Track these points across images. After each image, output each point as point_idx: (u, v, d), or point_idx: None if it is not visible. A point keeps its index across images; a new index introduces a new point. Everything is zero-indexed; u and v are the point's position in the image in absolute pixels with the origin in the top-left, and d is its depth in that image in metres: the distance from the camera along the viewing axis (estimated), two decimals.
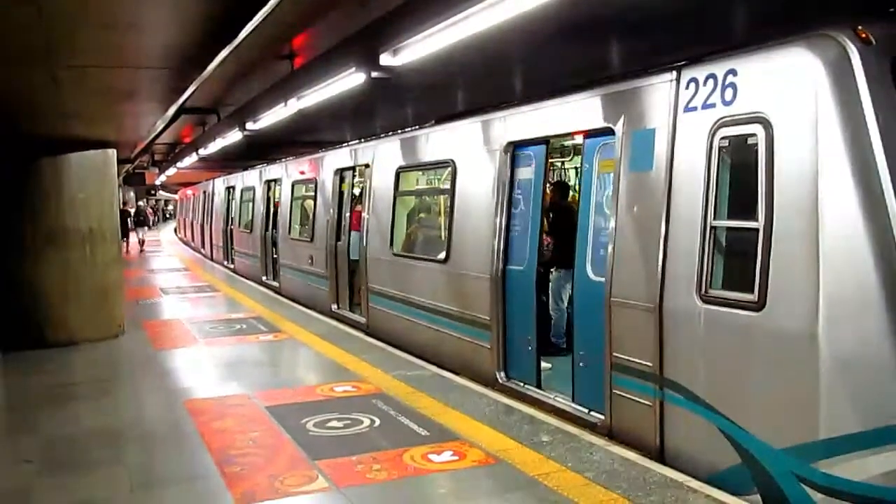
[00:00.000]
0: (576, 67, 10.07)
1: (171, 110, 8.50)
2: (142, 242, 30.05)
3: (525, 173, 7.50)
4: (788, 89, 4.62)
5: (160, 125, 10.70)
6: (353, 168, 11.97)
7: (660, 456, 5.41)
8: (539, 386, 7.16)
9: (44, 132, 9.39)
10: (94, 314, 10.20)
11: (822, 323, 4.25)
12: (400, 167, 10.10)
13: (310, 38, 7.62)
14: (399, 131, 10.76)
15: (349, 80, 7.15)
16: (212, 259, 24.31)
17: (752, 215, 4.75)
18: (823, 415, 4.26)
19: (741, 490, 4.73)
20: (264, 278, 16.84)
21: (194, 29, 4.84)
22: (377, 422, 6.22)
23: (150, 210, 37.71)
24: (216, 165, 23.86)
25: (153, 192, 48.27)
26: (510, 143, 7.55)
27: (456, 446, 5.57)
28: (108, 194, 10.60)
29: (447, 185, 8.80)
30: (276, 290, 15.33)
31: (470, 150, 8.28)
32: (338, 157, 12.59)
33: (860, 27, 4.43)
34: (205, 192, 26.38)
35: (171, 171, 25.89)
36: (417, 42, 5.64)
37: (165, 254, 28.12)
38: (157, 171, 28.46)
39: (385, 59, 6.10)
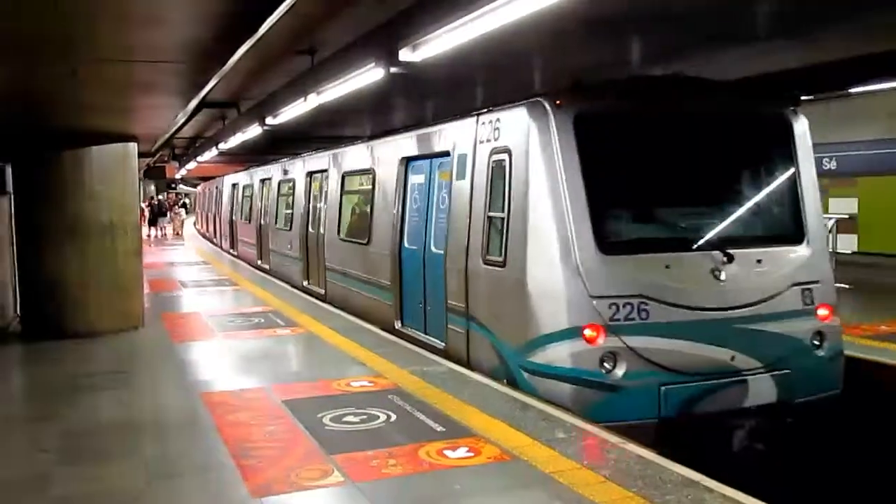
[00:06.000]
0: (594, 63, 10.04)
1: (192, 104, 8.53)
2: (162, 230, 33.36)
3: (416, 179, 9.99)
4: (517, 132, 7.19)
5: (181, 119, 10.76)
6: (321, 171, 14.45)
7: (468, 365, 7.85)
8: (424, 331, 9.28)
9: (65, 125, 9.47)
10: (114, 306, 10.27)
11: (528, 273, 6.86)
12: (345, 172, 12.86)
13: (330, 33, 7.63)
14: (345, 144, 13.49)
15: (369, 76, 7.16)
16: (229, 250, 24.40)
17: (502, 209, 7.33)
18: (529, 326, 6.79)
19: (498, 378, 7.23)
20: (260, 262, 19.64)
21: (215, 23, 4.85)
22: (393, 417, 6.22)
23: (169, 203, 38.38)
24: (235, 159, 23.93)
25: (173, 185, 48.52)
26: (404, 158, 10.23)
27: (471, 442, 5.56)
28: (129, 187, 10.67)
29: (370, 187, 11.39)
30: (266, 272, 18.07)
31: (382, 161, 11.00)
32: (310, 162, 15.42)
33: (557, 98, 6.90)
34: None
35: (192, 164, 26.01)
36: (436, 38, 5.64)
37: (185, 247, 28.27)
38: (177, 164, 28.59)
39: (404, 54, 6.10)
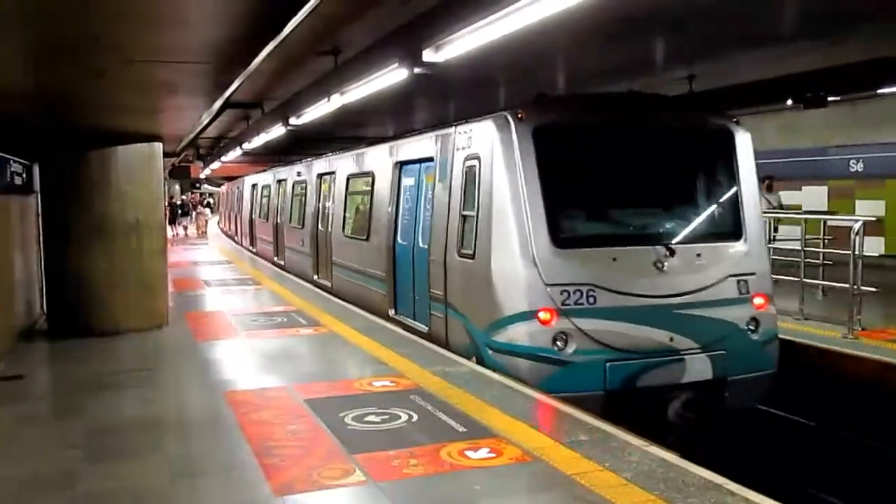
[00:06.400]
0: (617, 64, 10.00)
1: (217, 105, 8.59)
2: (185, 229, 34.28)
3: (408, 181, 10.85)
4: (485, 141, 8.13)
5: (205, 119, 10.83)
6: (329, 173, 15.25)
7: (447, 346, 8.77)
8: (413, 318, 10.12)
9: (91, 125, 9.55)
10: (139, 304, 10.36)
11: (492, 264, 7.78)
12: (349, 174, 13.70)
13: (353, 34, 7.65)
14: (351, 149, 14.40)
15: (392, 76, 7.17)
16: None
17: (473, 209, 8.28)
18: (493, 309, 7.71)
19: (469, 356, 8.21)
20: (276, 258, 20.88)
21: (239, 24, 4.87)
22: (414, 417, 6.23)
23: (192, 203, 38.83)
24: (258, 159, 24.04)
25: (197, 185, 48.87)
26: (398, 162, 11.14)
27: (493, 443, 5.56)
28: (155, 186, 10.75)
29: (369, 188, 12.27)
30: (282, 267, 19.13)
31: (380, 165, 11.88)
32: (319, 164, 16.38)
33: (518, 112, 7.83)
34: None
35: (216, 164, 26.17)
36: (459, 38, 5.64)
37: (209, 246, 28.45)
38: (201, 164, 28.78)
39: (427, 55, 6.10)
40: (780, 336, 8.38)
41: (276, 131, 12.81)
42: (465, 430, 5.89)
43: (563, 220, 7.78)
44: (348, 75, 8.23)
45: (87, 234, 10.08)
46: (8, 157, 9.39)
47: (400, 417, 6.22)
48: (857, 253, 9.32)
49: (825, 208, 17.42)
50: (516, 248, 7.52)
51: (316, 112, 10.18)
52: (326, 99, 8.92)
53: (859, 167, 17.84)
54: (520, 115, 7.81)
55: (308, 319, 11.02)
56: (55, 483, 5.14)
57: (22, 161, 10.26)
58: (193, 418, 6.64)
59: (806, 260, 10.89)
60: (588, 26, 7.02)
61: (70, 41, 5.15)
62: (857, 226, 9.43)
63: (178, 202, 35.61)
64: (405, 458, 5.30)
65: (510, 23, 5.05)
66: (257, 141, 15.11)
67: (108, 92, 7.32)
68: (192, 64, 5.99)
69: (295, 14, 4.68)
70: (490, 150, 7.99)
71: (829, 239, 12.37)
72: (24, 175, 10.41)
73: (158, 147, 10.87)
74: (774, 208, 14.83)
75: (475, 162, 8.32)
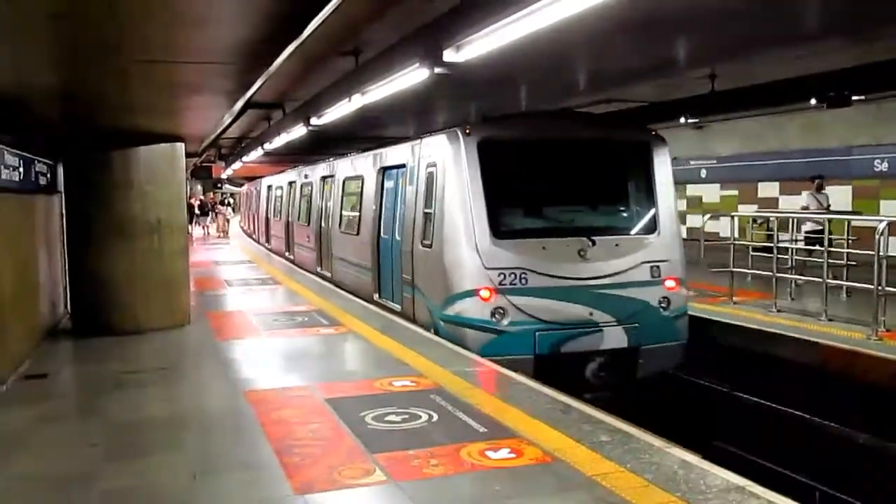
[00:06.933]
0: (639, 64, 9.94)
1: (238, 105, 8.62)
2: (205, 229, 34.67)
3: (389, 184, 12.43)
4: (440, 152, 9.84)
5: (227, 119, 10.88)
6: (330, 176, 17.01)
7: (414, 321, 10.39)
8: (392, 300, 11.69)
9: (113, 125, 9.61)
10: (161, 304, 10.44)
11: (444, 251, 9.38)
12: (345, 177, 15.50)
13: (374, 34, 7.66)
14: (347, 154, 16.27)
15: (412, 76, 7.16)
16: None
17: (431, 206, 9.88)
18: (444, 289, 9.34)
19: (429, 328, 9.82)
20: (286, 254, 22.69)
21: (261, 24, 4.89)
22: (435, 417, 6.23)
23: (212, 203, 39.01)
24: (279, 160, 24.14)
25: (219, 185, 49.15)
26: (381, 168, 12.80)
27: (513, 444, 5.55)
28: (176, 187, 10.83)
29: (360, 190, 13.99)
30: (292, 262, 20.82)
31: (368, 169, 13.61)
32: (322, 168, 18.15)
33: (467, 129, 9.57)
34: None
35: (237, 164, 26.29)
36: (480, 38, 5.62)
37: (230, 246, 28.61)
38: (223, 164, 28.90)
39: (448, 55, 6.08)
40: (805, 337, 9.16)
41: (297, 131, 12.85)
42: (486, 430, 5.88)
43: (501, 217, 9.39)
44: (369, 75, 8.23)
45: (110, 234, 10.17)
46: (32, 157, 9.48)
47: (420, 417, 6.22)
48: (881, 254, 9.23)
49: (849, 208, 17.24)
50: (462, 239, 9.16)
51: (337, 112, 10.19)
52: (347, 99, 8.94)
53: (884, 167, 17.66)
54: (467, 131, 9.54)
55: (329, 319, 11.05)
56: (77, 480, 5.19)
57: (46, 161, 10.36)
58: (214, 417, 6.67)
59: (829, 260, 10.80)
60: (608, 26, 6.98)
61: (96, 41, 5.18)
62: (881, 226, 9.34)
63: (197, 202, 35.54)
64: (425, 457, 5.30)
65: (530, 23, 5.03)
66: (278, 141, 15.16)
67: (131, 92, 7.37)
68: (217, 65, 6.02)
69: (317, 14, 4.68)
70: (443, 158, 9.69)
71: (853, 240, 12.25)
72: (48, 175, 10.51)
73: (181, 147, 10.94)
74: (823, 209, 14.66)
75: (433, 168, 9.98)
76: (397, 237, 11.37)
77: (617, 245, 9.45)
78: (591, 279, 9.14)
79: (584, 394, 7.88)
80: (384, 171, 12.71)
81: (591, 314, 9.05)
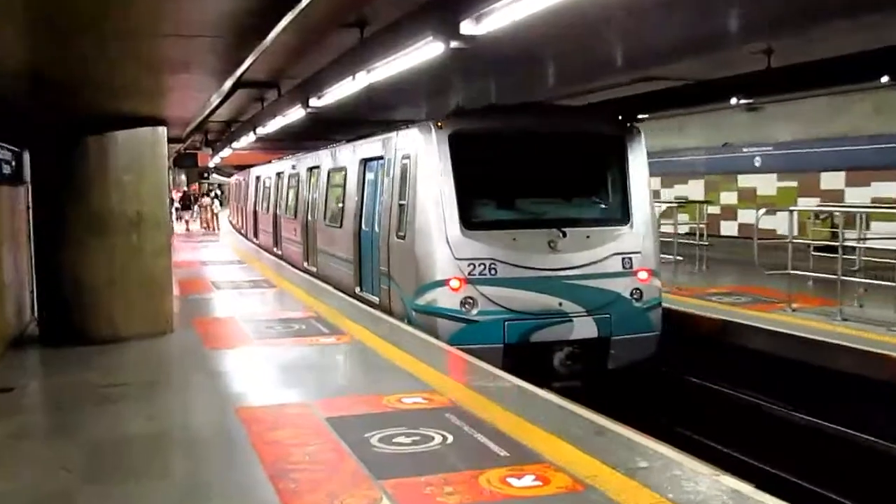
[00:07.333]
0: (681, 38, 9.92)
1: (228, 83, 8.65)
2: (186, 224, 35.58)
3: (370, 176, 13.74)
4: (413, 144, 11.16)
5: (215, 100, 10.92)
6: (316, 167, 18.37)
7: (390, 313, 11.63)
8: (371, 292, 12.90)
9: (90, 108, 9.59)
10: (141, 308, 10.43)
11: (416, 242, 10.63)
12: (329, 169, 16.88)
13: (381, 4, 7.68)
14: (330, 145, 17.61)
15: (425, 51, 7.18)
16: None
17: (405, 198, 11.14)
18: (416, 279, 10.59)
19: (402, 318, 11.07)
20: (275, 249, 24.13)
21: None
22: (449, 438, 6.24)
23: (195, 195, 39.27)
24: (273, 146, 24.25)
25: (206, 175, 49.33)
26: (362, 159, 14.07)
27: (539, 469, 5.56)
28: (158, 176, 10.82)
29: (343, 182, 15.21)
30: (280, 257, 22.05)
31: (350, 161, 14.83)
32: (308, 159, 19.65)
33: (438, 122, 10.81)
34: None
35: (226, 152, 26.42)
36: (504, 7, 5.62)
37: (218, 244, 28.73)
38: (210, 151, 29.07)
39: (466, 27, 6.09)
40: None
41: (295, 114, 12.92)
42: (508, 454, 5.88)
43: (471, 208, 10.61)
44: (376, 50, 8.26)
45: (84, 229, 10.14)
46: None
47: (433, 439, 6.23)
48: None
49: None
50: (434, 230, 10.37)
51: (339, 92, 10.26)
52: (351, 77, 8.98)
53: None
54: (439, 124, 10.72)
55: (329, 327, 11.08)
56: None
57: (11, 147, 10.39)
58: (202, 436, 6.71)
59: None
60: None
61: (70, 12, 5.22)
62: None
63: (179, 195, 35.81)
64: (439, 484, 5.31)
65: None
66: (273, 125, 15.24)
67: (109, 70, 7.36)
68: (201, 38, 6.04)
69: None
70: (416, 151, 10.96)
71: None
72: (12, 163, 10.55)
73: (162, 132, 10.87)
74: None
75: (407, 161, 11.23)
76: (376, 229, 12.59)
77: (588, 237, 10.62)
78: (560, 270, 10.33)
79: (553, 383, 9.21)
80: (365, 162, 13.98)
81: (560, 304, 10.23)
